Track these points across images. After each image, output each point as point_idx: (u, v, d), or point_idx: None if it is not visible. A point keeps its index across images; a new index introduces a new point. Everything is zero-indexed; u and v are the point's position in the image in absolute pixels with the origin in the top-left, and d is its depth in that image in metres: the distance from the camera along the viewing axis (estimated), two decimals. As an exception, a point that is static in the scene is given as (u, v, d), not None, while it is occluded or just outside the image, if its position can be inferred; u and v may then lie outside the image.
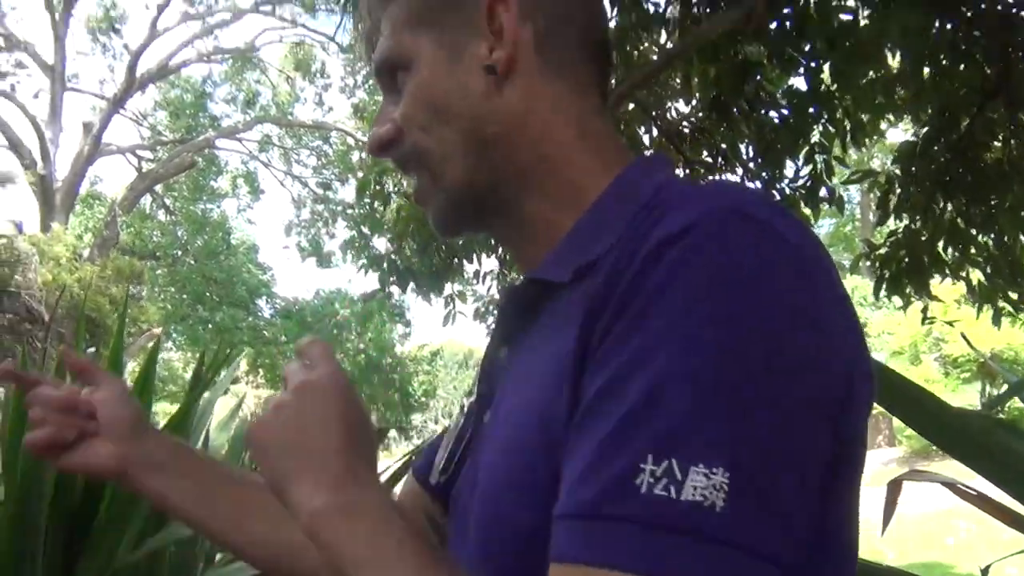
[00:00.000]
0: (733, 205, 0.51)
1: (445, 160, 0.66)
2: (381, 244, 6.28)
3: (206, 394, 2.11)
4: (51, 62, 15.06)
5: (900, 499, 1.51)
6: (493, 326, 0.76)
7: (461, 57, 0.66)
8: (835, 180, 4.33)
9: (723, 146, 4.39)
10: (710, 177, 4.51)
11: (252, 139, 18.29)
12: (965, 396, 13.61)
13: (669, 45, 3.95)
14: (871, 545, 4.23)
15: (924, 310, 4.71)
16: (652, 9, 3.79)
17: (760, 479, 0.45)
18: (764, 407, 0.46)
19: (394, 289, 5.74)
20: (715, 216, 0.50)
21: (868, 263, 4.45)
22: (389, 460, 2.40)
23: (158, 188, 17.34)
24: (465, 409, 0.73)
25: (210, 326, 17.06)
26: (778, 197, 4.27)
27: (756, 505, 0.44)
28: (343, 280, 41.68)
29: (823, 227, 20.11)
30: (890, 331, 16.93)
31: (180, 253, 18.00)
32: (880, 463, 13.28)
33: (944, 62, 3.66)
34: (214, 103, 18.38)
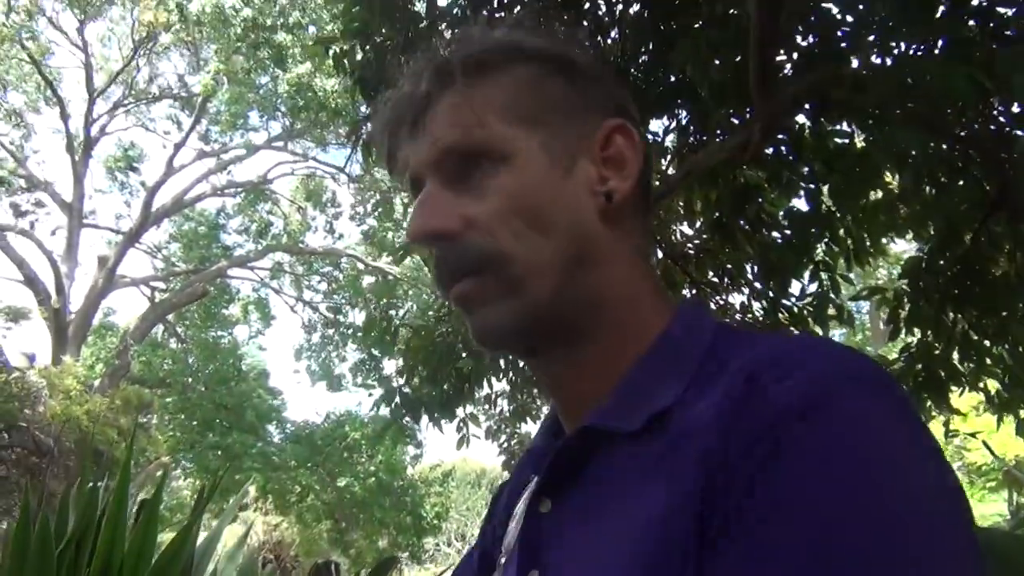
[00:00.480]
0: (845, 372, 0.50)
1: (533, 271, 0.60)
2: (391, 366, 6.29)
3: (214, 523, 2.07)
4: (69, 200, 15.47)
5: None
6: (522, 469, 0.72)
7: (573, 171, 0.62)
8: (842, 294, 4.33)
9: (728, 266, 4.42)
10: (717, 297, 4.52)
11: (264, 267, 18.56)
12: (993, 505, 13.18)
13: (670, 171, 4.04)
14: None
15: (946, 424, 4.63)
16: (651, 138, 3.89)
17: None
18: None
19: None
20: (842, 386, 0.48)
21: (883, 379, 4.39)
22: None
23: (170, 317, 17.49)
24: (500, 564, 0.68)
25: (219, 452, 16.86)
26: (786, 315, 4.27)
27: None
28: (353, 403, 41.45)
29: (833, 337, 20.04)
30: (910, 440, 16.61)
31: (191, 380, 17.98)
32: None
33: (943, 180, 3.71)
34: (227, 234, 18.72)
